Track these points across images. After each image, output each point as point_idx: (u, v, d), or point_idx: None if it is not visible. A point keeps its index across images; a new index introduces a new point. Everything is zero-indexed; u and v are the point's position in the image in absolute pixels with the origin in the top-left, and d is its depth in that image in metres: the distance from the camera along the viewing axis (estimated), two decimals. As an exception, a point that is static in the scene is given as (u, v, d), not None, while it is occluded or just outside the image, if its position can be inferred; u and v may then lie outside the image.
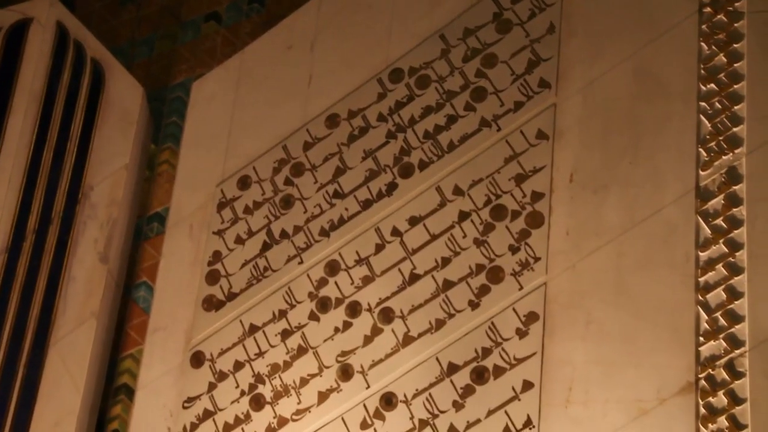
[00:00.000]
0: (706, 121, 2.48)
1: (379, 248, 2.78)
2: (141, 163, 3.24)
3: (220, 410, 2.80)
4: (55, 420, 2.87)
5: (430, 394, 2.55)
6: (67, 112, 3.23)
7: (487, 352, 2.52)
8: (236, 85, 3.18)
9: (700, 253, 2.35)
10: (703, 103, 2.50)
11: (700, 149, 2.45)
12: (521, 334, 2.50)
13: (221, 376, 2.84)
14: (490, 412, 2.46)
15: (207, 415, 2.81)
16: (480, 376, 2.50)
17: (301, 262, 2.87)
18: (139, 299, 3.10)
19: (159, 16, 3.48)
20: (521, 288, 2.56)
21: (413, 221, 2.76)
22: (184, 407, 2.84)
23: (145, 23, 3.49)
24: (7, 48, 3.27)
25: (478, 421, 2.47)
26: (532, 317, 2.50)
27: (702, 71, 2.52)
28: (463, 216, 2.70)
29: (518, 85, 2.77)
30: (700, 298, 2.30)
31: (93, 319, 2.96)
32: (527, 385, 2.44)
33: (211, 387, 2.83)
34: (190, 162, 3.18)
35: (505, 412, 2.45)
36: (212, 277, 2.98)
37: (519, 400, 2.43)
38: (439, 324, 2.62)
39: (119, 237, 3.10)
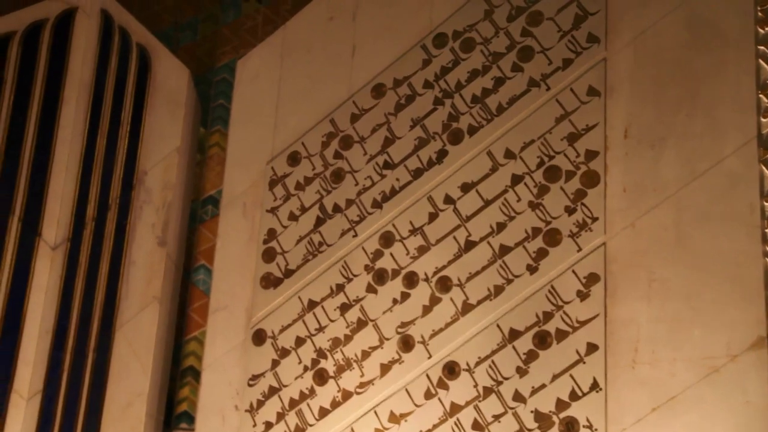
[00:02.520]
0: (766, 66, 2.30)
1: (433, 217, 2.66)
2: (192, 146, 3.15)
3: (285, 386, 2.71)
4: (126, 401, 2.81)
5: (492, 361, 2.44)
6: (116, 98, 3.14)
7: (548, 316, 2.41)
8: (280, 61, 3.05)
9: (766, 204, 2.20)
10: (762, 47, 2.32)
11: (761, 95, 2.28)
12: (582, 296, 2.37)
13: (284, 353, 2.75)
14: (555, 377, 2.35)
15: (272, 391, 2.73)
16: (542, 340, 2.39)
17: (356, 235, 2.76)
18: (199, 282, 3.02)
19: (200, -2, 3.38)
20: (580, 249, 2.42)
21: (465, 188, 2.63)
22: (249, 385, 2.76)
23: (187, 6, 3.38)
24: (55, 38, 3.19)
25: (543, 386, 2.36)
26: (592, 279, 2.38)
27: (759, 13, 2.34)
28: (516, 179, 2.56)
29: (566, 41, 2.60)
30: (768, 249, 2.16)
31: (156, 303, 2.90)
32: (591, 348, 2.32)
33: (275, 364, 2.75)
34: (240, 141, 3.07)
35: (571, 375, 2.34)
36: (268, 255, 2.88)
37: (584, 363, 2.32)
38: (498, 290, 2.49)
39: (175, 220, 3.02)
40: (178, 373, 2.95)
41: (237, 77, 3.12)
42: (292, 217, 2.88)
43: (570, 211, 2.46)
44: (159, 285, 2.91)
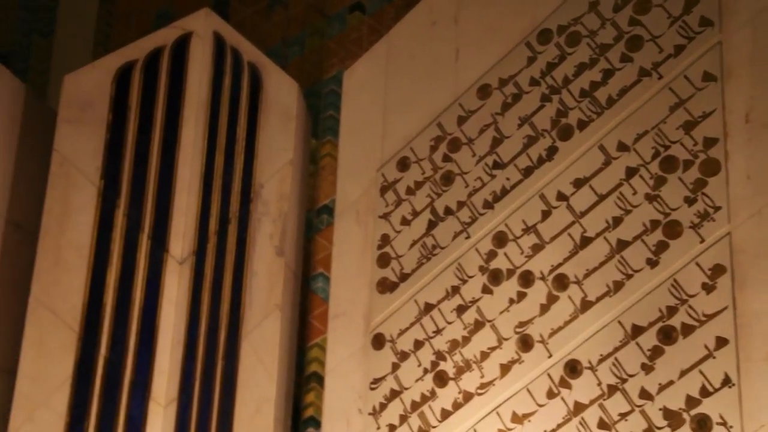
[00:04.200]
0: None
1: (546, 215, 2.46)
2: (304, 157, 3.06)
3: (406, 389, 2.56)
4: (255, 407, 2.74)
5: (616, 359, 2.22)
6: (231, 116, 3.10)
7: (672, 310, 2.17)
8: (385, 68, 2.92)
9: None
10: None
11: None
12: (708, 288, 2.12)
13: (403, 356, 2.60)
14: (683, 373, 2.11)
15: (394, 394, 2.58)
16: (668, 336, 2.15)
17: (468, 237, 2.59)
18: (318, 290, 2.92)
19: (306, 13, 3.29)
20: (703, 240, 2.18)
21: (578, 183, 2.42)
22: (371, 388, 2.62)
23: (294, 23, 3.30)
24: (173, 63, 3.16)
25: (671, 382, 2.13)
26: (718, 270, 2.12)
27: None
28: (631, 172, 2.33)
29: (677, 27, 2.35)
30: None
31: (277, 311, 2.82)
32: (721, 342, 2.07)
33: (395, 367, 2.60)
34: (350, 150, 2.95)
35: (700, 371, 2.10)
36: (383, 260, 2.74)
37: (714, 357, 2.07)
38: (618, 286, 2.27)
39: (292, 230, 2.94)
40: (303, 379, 2.85)
41: (344, 88, 3.00)
42: (405, 222, 2.74)
43: (690, 201, 2.22)
44: (280, 294, 2.84)
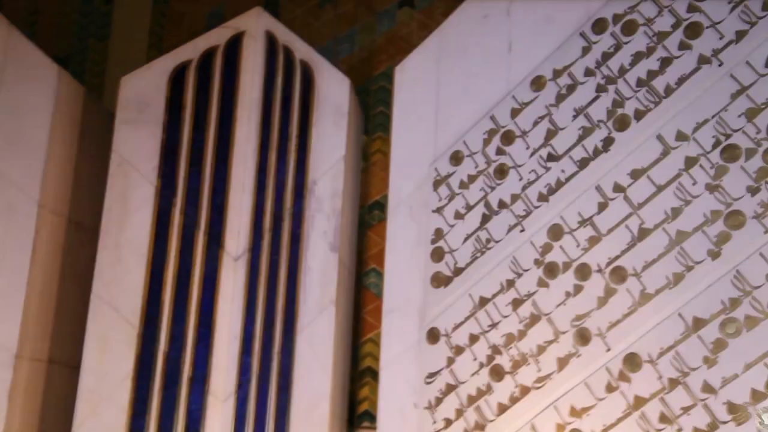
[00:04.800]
0: None
1: (602, 207, 2.37)
2: (356, 154, 3.01)
3: (462, 383, 2.49)
4: (311, 402, 2.69)
5: (676, 352, 2.13)
6: (284, 113, 3.05)
7: (735, 302, 2.07)
8: (437, 63, 2.84)
9: None
10: None
11: None
12: (773, 280, 2.03)
13: (458, 350, 2.53)
14: (748, 366, 2.02)
15: (449, 389, 2.51)
16: (731, 328, 2.06)
17: (523, 230, 2.50)
18: (371, 285, 2.87)
19: (355, 10, 3.23)
20: (767, 231, 2.08)
21: (635, 174, 2.33)
22: (426, 382, 2.56)
23: (344, 20, 3.24)
24: (226, 62, 3.13)
25: (735, 376, 2.03)
26: (783, 261, 2.03)
27: None
28: (691, 162, 2.23)
29: (738, 13, 2.25)
30: None
31: (332, 306, 2.77)
32: (787, 335, 1.98)
33: (450, 361, 2.53)
34: (402, 145, 2.87)
35: (765, 364, 2.00)
36: (437, 255, 2.67)
37: (780, 351, 1.98)
38: (678, 278, 2.18)
39: (345, 226, 2.89)
40: (356, 374, 2.80)
41: (396, 83, 2.93)
42: (458, 216, 2.66)
43: (753, 190, 2.12)
44: (334, 289, 2.79)
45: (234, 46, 3.15)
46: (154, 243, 2.96)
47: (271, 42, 3.13)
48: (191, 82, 3.13)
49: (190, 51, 3.16)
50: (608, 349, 2.25)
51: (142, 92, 3.11)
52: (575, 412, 2.27)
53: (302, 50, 3.07)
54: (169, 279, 2.92)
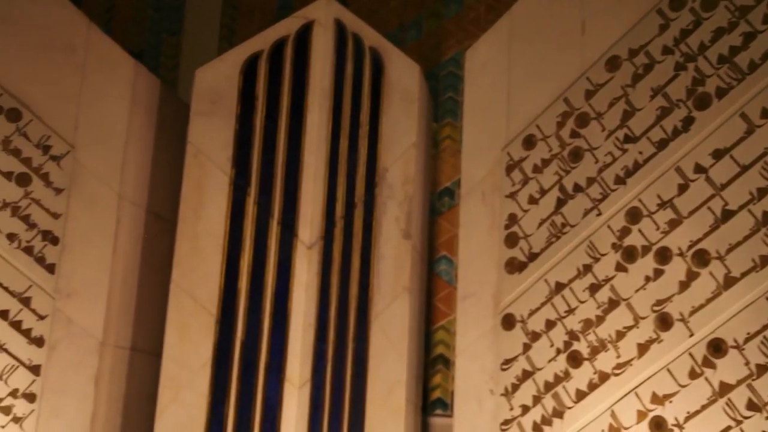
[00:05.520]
0: None
1: (683, 188, 2.26)
2: (427, 140, 2.94)
3: (538, 369, 2.43)
4: (387, 388, 2.66)
5: (764, 337, 2.03)
6: (354, 101, 3.01)
7: (826, 286, 1.96)
8: (508, 46, 2.76)
9: None
10: None
11: None
12: None
13: (534, 336, 2.46)
14: (841, 352, 1.91)
15: (526, 375, 2.45)
16: (822, 313, 1.95)
17: (600, 214, 2.42)
18: (442, 273, 2.81)
19: (422, -4, 3.18)
20: None
21: (718, 154, 2.21)
22: (503, 369, 2.49)
23: (411, 6, 3.18)
24: (296, 51, 3.11)
25: (828, 362, 1.93)
26: None
27: None
28: (777, 140, 2.13)
29: (826, -18, 2.13)
30: None
31: (406, 293, 2.73)
32: None
33: (526, 348, 2.46)
34: (474, 131, 2.80)
35: None
36: (511, 240, 2.59)
37: None
38: (765, 261, 2.07)
39: (417, 212, 2.84)
40: (429, 361, 2.75)
41: (466, 68, 2.86)
42: (532, 201, 2.59)
43: None
44: (407, 276, 2.75)
45: (304, 35, 3.12)
46: (229, 232, 2.96)
47: (341, 30, 3.09)
48: (263, 72, 3.11)
49: (261, 42, 3.15)
50: (691, 335, 2.15)
51: (216, 84, 3.11)
52: (657, 399, 2.18)
53: (371, 37, 3.02)
54: (244, 267, 2.92)
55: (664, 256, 2.24)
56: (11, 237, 2.79)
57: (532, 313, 2.48)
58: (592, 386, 2.30)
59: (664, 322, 2.20)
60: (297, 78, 3.09)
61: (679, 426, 2.14)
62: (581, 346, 2.34)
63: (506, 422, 2.44)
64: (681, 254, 2.21)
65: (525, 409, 2.42)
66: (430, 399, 2.71)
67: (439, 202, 2.90)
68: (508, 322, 2.52)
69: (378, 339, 2.72)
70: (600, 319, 2.32)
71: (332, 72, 3.04)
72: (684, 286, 2.19)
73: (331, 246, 2.91)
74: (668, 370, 2.18)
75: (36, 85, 2.92)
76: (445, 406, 2.67)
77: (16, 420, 2.62)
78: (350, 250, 2.88)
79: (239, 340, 2.83)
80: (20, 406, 2.64)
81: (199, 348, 2.82)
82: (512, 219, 2.61)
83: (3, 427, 2.59)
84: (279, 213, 2.98)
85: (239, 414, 2.76)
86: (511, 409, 2.44)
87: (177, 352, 2.83)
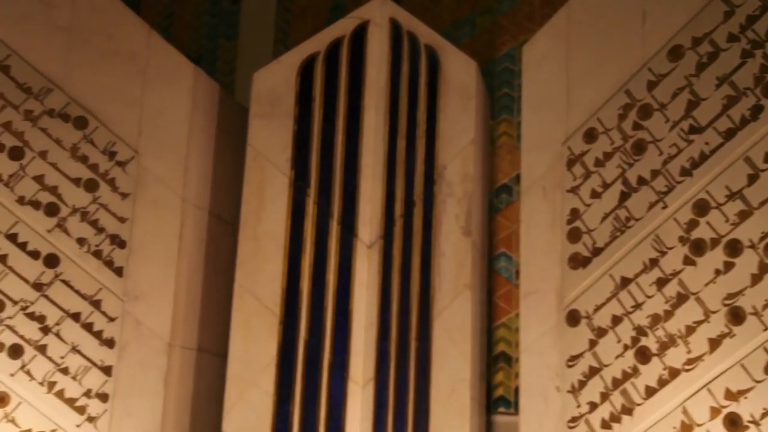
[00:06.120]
0: None
1: (753, 179, 2.18)
2: (485, 136, 2.89)
3: (606, 366, 2.36)
4: (450, 387, 2.62)
5: (841, 330, 1.94)
6: (411, 99, 2.98)
7: None
8: (566, 39, 2.69)
9: None
10: None
11: None
12: None
13: (600, 332, 2.39)
14: None
15: (593, 372, 2.39)
16: None
17: (665, 207, 2.34)
18: (501, 270, 2.76)
19: (475, -8, 3.13)
20: None
21: (789, 143, 2.14)
22: (568, 366, 2.43)
23: (464, 3, 3.12)
24: (352, 52, 3.09)
25: None
26: None
27: None
28: None
29: None
30: None
31: (467, 291, 2.68)
32: None
33: (592, 344, 2.40)
34: (533, 126, 2.73)
35: None
36: (574, 235, 2.53)
37: None
38: (841, 251, 1.99)
39: (477, 209, 2.79)
40: (490, 359, 2.71)
41: (524, 63, 2.79)
42: (595, 195, 2.52)
43: None
44: (468, 273, 2.70)
45: (359, 35, 3.09)
46: (290, 233, 2.96)
47: (396, 29, 3.05)
48: (319, 74, 3.10)
49: (317, 44, 3.13)
50: (765, 329, 2.08)
51: (273, 86, 3.10)
52: (731, 395, 2.11)
53: (427, 35, 2.98)
54: (305, 268, 2.91)
55: (734, 248, 2.17)
56: (81, 241, 2.82)
57: (597, 308, 2.41)
58: (662, 382, 2.23)
59: (736, 316, 2.12)
60: (353, 78, 3.06)
61: (756, 423, 2.06)
62: (649, 342, 2.27)
63: (574, 419, 2.39)
64: (752, 246, 2.13)
65: (593, 406, 2.36)
66: (493, 397, 2.67)
67: (496, 198, 2.85)
68: (573, 318, 2.46)
69: (440, 337, 2.68)
70: (668, 314, 2.25)
71: (388, 71, 3.01)
72: (756, 279, 2.11)
73: (391, 245, 2.88)
74: (742, 365, 2.10)
75: (100, 93, 2.94)
76: (508, 404, 2.62)
77: (91, 419, 2.65)
78: (410, 249, 2.85)
79: (302, 339, 2.83)
80: (94, 406, 2.67)
81: (264, 348, 2.82)
82: (574, 214, 2.54)
83: (78, 426, 2.62)
84: (339, 213, 2.96)
85: (305, 412, 2.76)
86: (579, 406, 2.38)
87: (242, 351, 2.83)
